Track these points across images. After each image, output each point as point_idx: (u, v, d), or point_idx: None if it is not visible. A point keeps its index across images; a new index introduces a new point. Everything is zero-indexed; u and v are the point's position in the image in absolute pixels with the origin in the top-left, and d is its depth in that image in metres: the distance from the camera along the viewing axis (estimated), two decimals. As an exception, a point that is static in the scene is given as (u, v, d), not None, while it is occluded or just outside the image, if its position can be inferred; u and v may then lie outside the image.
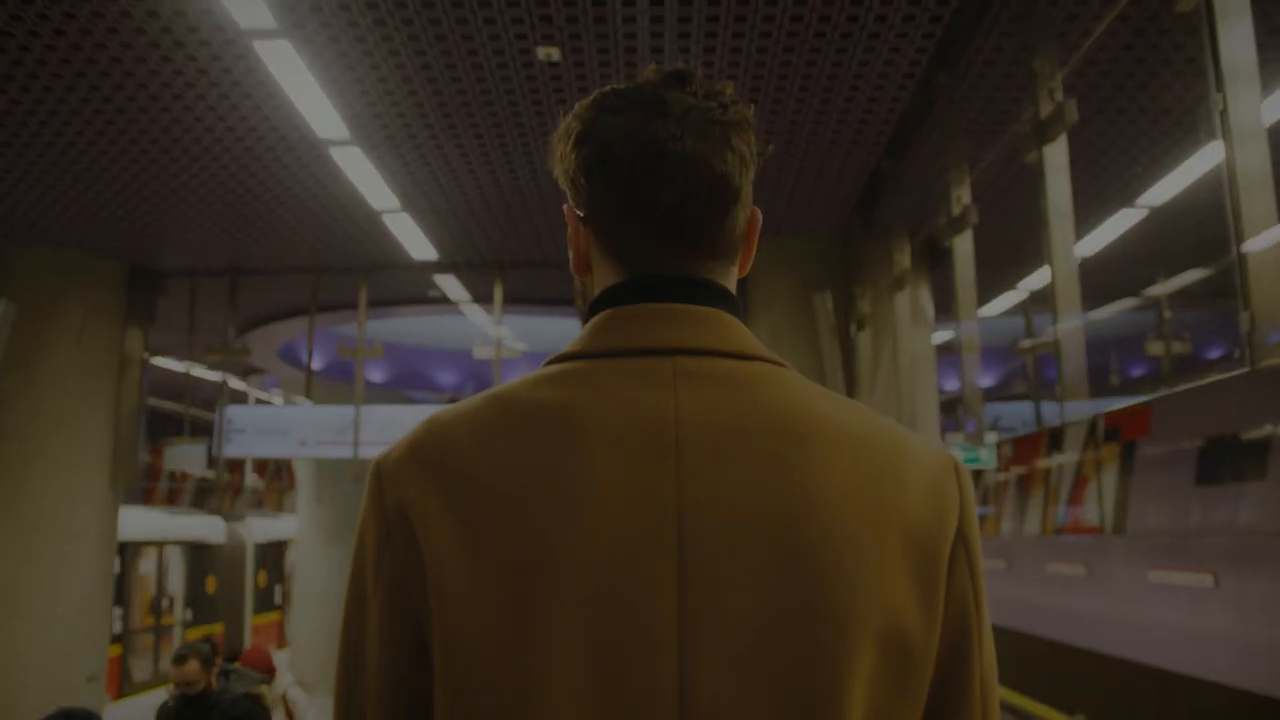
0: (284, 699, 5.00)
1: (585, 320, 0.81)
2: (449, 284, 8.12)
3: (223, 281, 7.81)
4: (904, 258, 6.13)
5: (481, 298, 8.37)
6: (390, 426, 7.85)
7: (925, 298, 6.70)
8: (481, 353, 7.90)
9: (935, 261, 6.85)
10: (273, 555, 14.98)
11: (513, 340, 10.54)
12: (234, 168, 5.78)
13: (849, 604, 0.67)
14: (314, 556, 13.42)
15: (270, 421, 7.98)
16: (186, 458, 7.67)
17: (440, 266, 7.74)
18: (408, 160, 5.68)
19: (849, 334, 6.46)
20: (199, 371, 9.69)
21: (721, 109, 0.77)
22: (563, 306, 8.82)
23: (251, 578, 13.83)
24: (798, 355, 6.62)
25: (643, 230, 0.77)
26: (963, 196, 4.86)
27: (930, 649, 0.70)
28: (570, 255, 0.83)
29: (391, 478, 0.72)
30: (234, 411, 8.00)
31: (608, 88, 0.79)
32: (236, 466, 16.41)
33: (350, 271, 7.74)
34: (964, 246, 5.00)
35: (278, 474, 20.91)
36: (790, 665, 0.66)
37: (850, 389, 6.31)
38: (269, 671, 4.92)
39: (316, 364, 11.29)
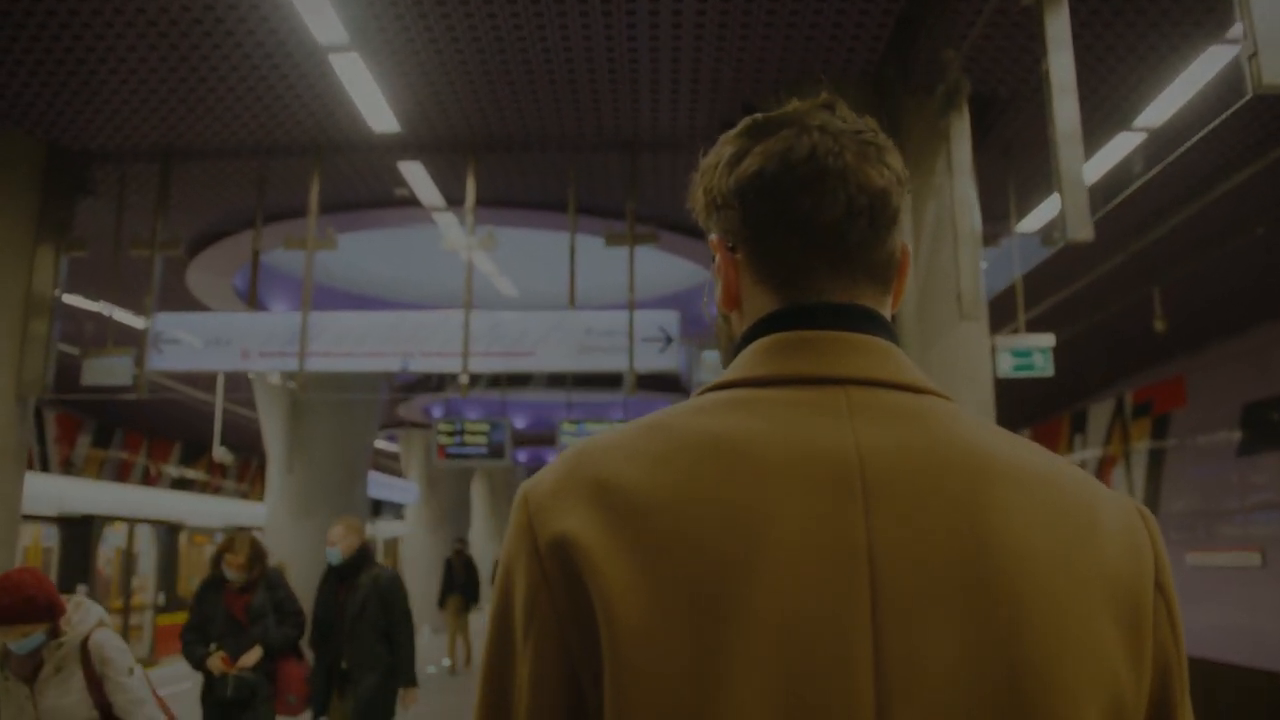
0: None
1: (731, 358, 0.78)
2: (415, 174, 7.06)
3: (154, 166, 6.76)
4: (953, 115, 5.10)
5: (456, 199, 7.33)
6: (347, 337, 6.78)
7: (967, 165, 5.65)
8: (454, 245, 6.85)
9: (982, 124, 5.85)
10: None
11: (494, 268, 9.48)
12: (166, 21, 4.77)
13: (1061, 659, 0.63)
14: (285, 530, 12.27)
15: (208, 329, 6.90)
16: (109, 370, 6.57)
17: (405, 146, 6.70)
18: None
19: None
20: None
21: (872, 133, 0.77)
22: (554, 214, 7.75)
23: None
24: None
25: (803, 251, 0.75)
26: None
27: (1140, 709, 0.66)
28: (718, 290, 0.80)
29: (545, 510, 0.68)
30: (166, 319, 6.92)
31: (757, 115, 0.79)
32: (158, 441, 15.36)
33: (302, 152, 6.70)
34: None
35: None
36: (988, 700, 0.61)
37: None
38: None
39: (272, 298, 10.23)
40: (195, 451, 22.96)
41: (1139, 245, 7.81)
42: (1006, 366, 6.02)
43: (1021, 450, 0.71)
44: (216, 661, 4.66)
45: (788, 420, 0.68)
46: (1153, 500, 12.81)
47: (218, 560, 4.83)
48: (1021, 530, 0.65)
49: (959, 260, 3.99)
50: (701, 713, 0.60)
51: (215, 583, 4.85)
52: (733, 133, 0.79)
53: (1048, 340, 6.17)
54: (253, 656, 4.70)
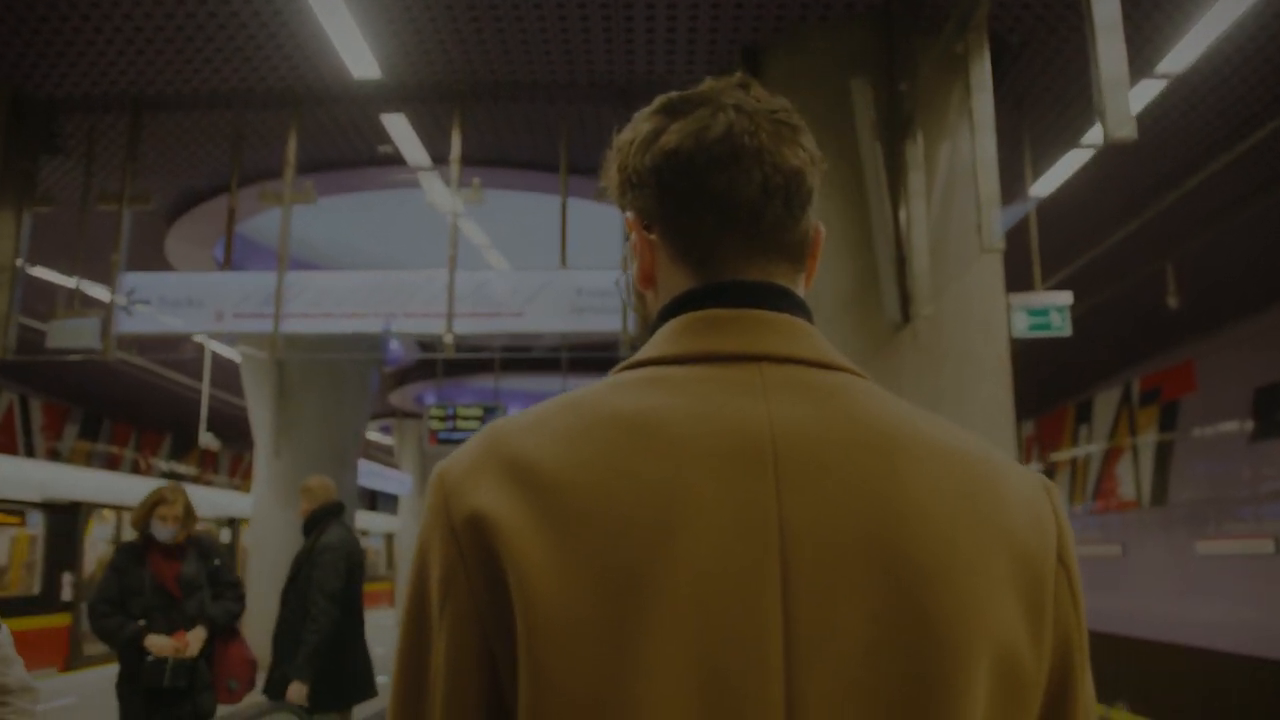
0: None
1: (649, 337, 0.78)
2: (399, 128, 6.73)
3: (124, 118, 6.43)
4: (972, 53, 4.77)
5: (441, 157, 6.99)
6: (327, 298, 6.44)
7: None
8: (438, 203, 6.52)
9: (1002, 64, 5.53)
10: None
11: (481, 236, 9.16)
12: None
13: (964, 626, 0.64)
14: (271, 518, 11.92)
15: (180, 290, 6.56)
16: (76, 333, 6.24)
17: (388, 97, 6.37)
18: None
19: (892, 138, 5.09)
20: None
21: (787, 113, 0.77)
22: (544, 174, 7.42)
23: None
24: (827, 150, 5.26)
25: (718, 229, 0.75)
26: None
27: (1040, 679, 0.68)
28: (634, 269, 0.80)
29: (460, 488, 0.68)
30: (135, 279, 6.58)
31: (673, 93, 0.78)
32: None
33: (279, 103, 6.37)
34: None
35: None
36: (903, 690, 0.62)
37: (896, 207, 4.94)
38: None
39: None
40: (186, 444, 22.62)
41: (1154, 209, 7.49)
42: (1022, 326, 5.70)
43: (931, 425, 0.72)
44: (165, 643, 3.97)
45: (701, 396, 0.69)
46: (1161, 489, 12.50)
47: (144, 519, 4.16)
48: (928, 502, 0.67)
49: (979, 194, 3.64)
50: (617, 685, 0.61)
51: (137, 549, 4.18)
52: (648, 110, 0.79)
53: (1065, 298, 5.84)
54: (199, 637, 4.06)
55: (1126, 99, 2.71)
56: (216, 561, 4.28)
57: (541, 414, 0.70)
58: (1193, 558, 11.53)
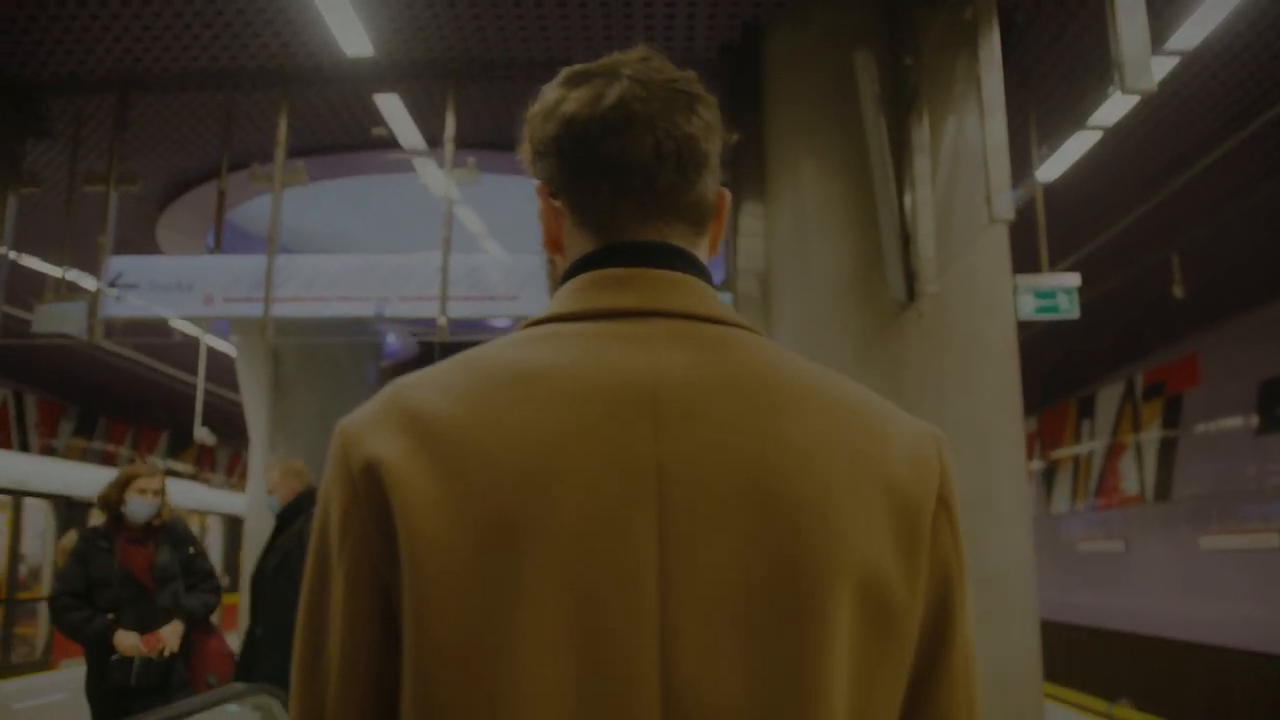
0: None
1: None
2: (393, 109, 6.60)
3: (111, 98, 6.29)
4: (981, 20, 4.64)
5: (436, 140, 6.86)
6: (318, 281, 6.32)
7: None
8: (432, 185, 6.39)
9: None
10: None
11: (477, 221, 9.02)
12: None
13: (827, 551, 0.67)
14: (266, 514, 11.77)
15: (168, 273, 6.43)
16: (61, 317, 6.11)
17: (381, 76, 6.24)
18: None
19: (896, 112, 4.95)
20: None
21: (686, 82, 0.79)
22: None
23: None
24: (826, 134, 5.13)
25: (613, 194, 0.78)
26: None
27: (913, 612, 0.70)
28: (542, 235, 0.84)
29: (358, 437, 0.71)
30: (123, 263, 6.45)
31: (577, 66, 0.81)
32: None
33: (270, 83, 6.24)
34: None
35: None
36: (772, 616, 0.66)
37: (900, 184, 4.81)
38: None
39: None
40: (183, 442, 22.50)
41: (1161, 194, 7.37)
42: (1028, 308, 5.56)
43: (821, 376, 0.75)
44: (135, 641, 3.66)
45: (589, 349, 0.72)
46: (1165, 484, 12.37)
47: (114, 499, 3.82)
48: (805, 442, 0.69)
49: (988, 165, 3.51)
50: (496, 617, 0.64)
51: (104, 535, 3.82)
52: (553, 82, 0.82)
53: (1073, 280, 5.71)
54: (175, 633, 3.76)
55: (1147, 46, 2.59)
56: (191, 549, 4.00)
57: (439, 370, 0.74)
58: (1195, 554, 11.41)
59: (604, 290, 0.76)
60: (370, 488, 0.68)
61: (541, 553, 0.64)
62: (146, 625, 3.74)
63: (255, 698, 2.85)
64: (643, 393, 0.69)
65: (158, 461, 22.45)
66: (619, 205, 0.78)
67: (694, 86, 0.79)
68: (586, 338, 0.73)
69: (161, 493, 3.86)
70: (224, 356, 13.31)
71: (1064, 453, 15.22)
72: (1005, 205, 3.36)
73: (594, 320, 0.74)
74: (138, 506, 3.83)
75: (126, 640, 3.67)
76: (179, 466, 22.89)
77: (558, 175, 0.80)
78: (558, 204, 0.81)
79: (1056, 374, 14.28)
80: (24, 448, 17.14)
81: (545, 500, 0.65)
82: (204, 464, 23.92)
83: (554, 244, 0.83)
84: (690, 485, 0.67)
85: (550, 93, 0.81)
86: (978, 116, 4.65)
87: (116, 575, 3.74)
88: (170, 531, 3.92)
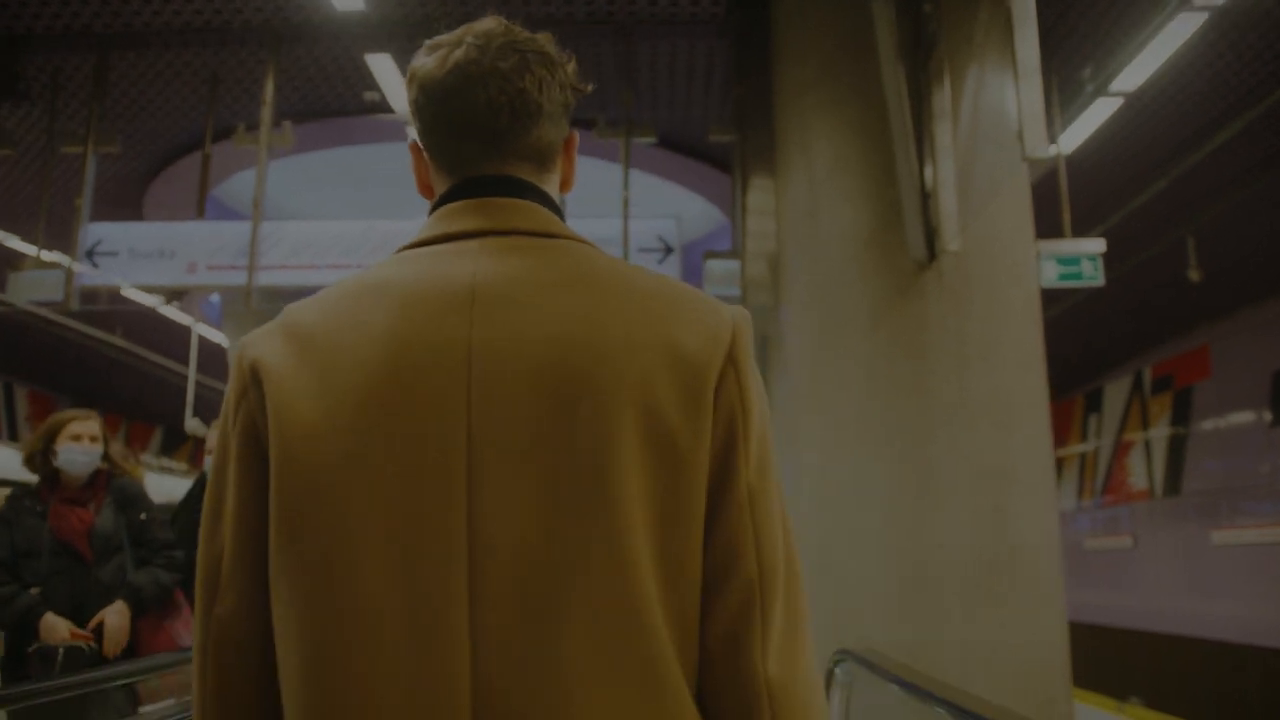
0: None
1: None
2: (385, 70, 6.33)
3: (90, 58, 6.03)
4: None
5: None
6: (307, 249, 6.05)
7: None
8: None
9: None
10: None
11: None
12: None
13: (605, 382, 0.80)
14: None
15: (150, 240, 6.17)
16: (37, 285, 5.84)
17: (373, 34, 5.97)
18: None
19: (915, 62, 4.69)
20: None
21: (528, 43, 0.92)
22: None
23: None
24: (837, 90, 4.87)
25: (460, 141, 0.93)
26: None
27: (699, 452, 0.81)
28: (415, 182, 0.99)
29: (251, 346, 0.88)
30: (102, 229, 6.18)
31: (434, 38, 0.94)
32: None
33: (257, 42, 5.97)
34: None
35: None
36: (563, 455, 0.79)
37: (919, 132, 4.54)
38: None
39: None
40: (178, 437, 22.21)
41: (1177, 169, 7.11)
42: (1051, 275, 5.28)
43: (638, 273, 0.89)
44: (62, 630, 2.93)
45: (428, 265, 0.87)
46: (1175, 480, 12.12)
47: (44, 450, 3.11)
48: (600, 317, 0.83)
49: (1019, 92, 3.24)
50: (338, 470, 0.81)
51: (33, 495, 3.12)
52: (418, 53, 0.95)
53: (1097, 245, 5.43)
54: (120, 615, 3.03)
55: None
56: (143, 515, 3.23)
57: (321, 293, 0.90)
58: (1207, 550, 11.17)
59: (450, 218, 0.91)
60: (255, 379, 0.86)
61: (378, 424, 0.80)
62: (82, 605, 3.05)
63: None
64: (463, 294, 0.84)
65: (150, 459, 22.18)
66: (463, 150, 0.92)
67: (536, 45, 0.91)
68: (429, 256, 0.88)
69: (100, 439, 3.16)
70: (217, 347, 13.03)
71: (1070, 450, 14.99)
72: (1039, 140, 3.10)
73: (441, 243, 0.89)
74: (72, 454, 3.10)
75: (53, 626, 2.95)
76: (174, 465, 22.63)
77: (421, 130, 0.94)
78: (426, 156, 0.97)
79: (1062, 368, 14.04)
80: (15, 439, 16.88)
81: (384, 384, 0.81)
82: (198, 461, 23.68)
83: (425, 188, 0.99)
84: (494, 357, 0.81)
85: (415, 61, 0.94)
86: (1000, 65, 4.38)
87: (46, 542, 3.04)
88: (118, 493, 3.20)
